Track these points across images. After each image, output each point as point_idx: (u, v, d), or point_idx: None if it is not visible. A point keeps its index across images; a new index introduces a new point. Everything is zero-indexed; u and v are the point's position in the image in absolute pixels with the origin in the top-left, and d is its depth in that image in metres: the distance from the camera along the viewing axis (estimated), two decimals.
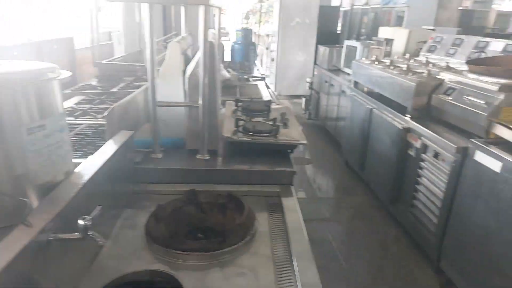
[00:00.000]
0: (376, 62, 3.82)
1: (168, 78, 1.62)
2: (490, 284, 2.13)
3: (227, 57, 5.60)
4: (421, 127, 2.79)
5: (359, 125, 3.90)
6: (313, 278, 0.93)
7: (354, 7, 7.51)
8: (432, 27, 5.04)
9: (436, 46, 3.86)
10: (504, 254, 2.03)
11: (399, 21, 9.39)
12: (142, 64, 2.92)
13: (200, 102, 1.46)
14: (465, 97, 2.48)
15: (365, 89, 4.05)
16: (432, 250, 2.67)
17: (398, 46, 4.82)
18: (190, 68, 1.62)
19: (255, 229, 1.17)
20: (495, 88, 2.24)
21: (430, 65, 3.38)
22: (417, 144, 2.84)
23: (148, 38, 1.38)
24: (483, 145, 2.16)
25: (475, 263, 2.24)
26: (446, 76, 2.85)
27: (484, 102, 2.30)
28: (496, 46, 3.09)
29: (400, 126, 3.04)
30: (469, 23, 11.17)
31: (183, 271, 0.97)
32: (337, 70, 5.49)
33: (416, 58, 3.89)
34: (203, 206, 1.26)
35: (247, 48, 5.62)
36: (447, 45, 3.68)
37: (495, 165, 2.05)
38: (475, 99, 2.38)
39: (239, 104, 2.04)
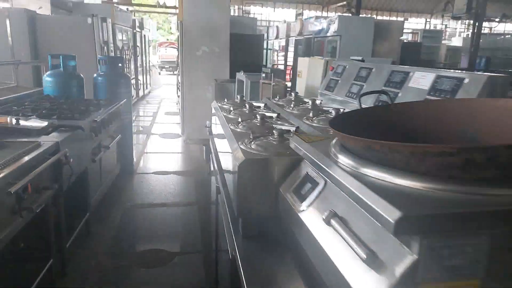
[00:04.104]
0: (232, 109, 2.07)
1: None
2: None
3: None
4: None
5: None
6: None
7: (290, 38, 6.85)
8: (359, 58, 3.93)
9: (337, 80, 2.43)
10: None
11: (333, 52, 8.13)
12: None
13: None
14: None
15: None
16: None
17: (316, 78, 4.43)
18: None
19: None
20: (391, 220, 0.69)
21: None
22: None
23: None
24: None
25: None
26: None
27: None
28: (423, 77, 1.68)
29: None
30: (415, 56, 10.26)
31: None
32: None
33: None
34: None
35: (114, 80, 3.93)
36: (351, 78, 2.27)
37: None
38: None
39: None
